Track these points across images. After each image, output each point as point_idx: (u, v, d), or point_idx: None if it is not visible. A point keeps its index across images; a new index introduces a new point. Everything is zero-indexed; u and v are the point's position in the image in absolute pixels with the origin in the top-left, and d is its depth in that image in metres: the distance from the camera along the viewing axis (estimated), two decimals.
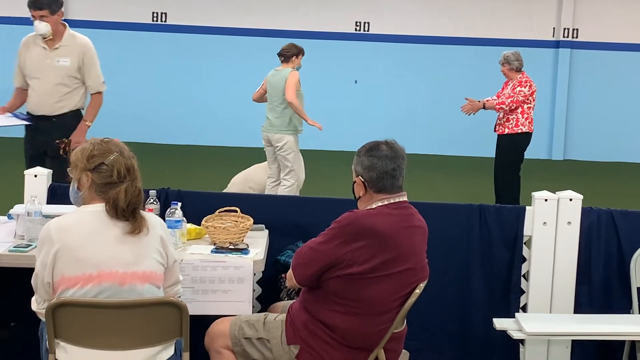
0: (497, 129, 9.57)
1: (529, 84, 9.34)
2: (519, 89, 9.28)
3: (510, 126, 9.39)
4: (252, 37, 15.36)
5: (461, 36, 15.48)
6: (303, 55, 8.95)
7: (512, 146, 9.41)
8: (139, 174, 3.49)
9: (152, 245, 3.46)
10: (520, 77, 9.41)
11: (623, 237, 4.92)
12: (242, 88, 15.16)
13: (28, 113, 6.89)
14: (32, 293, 3.57)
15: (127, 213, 3.40)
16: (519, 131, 9.35)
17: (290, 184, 8.68)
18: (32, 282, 3.49)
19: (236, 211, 4.63)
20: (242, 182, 8.87)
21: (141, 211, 3.49)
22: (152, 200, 4.49)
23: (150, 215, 3.60)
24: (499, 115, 9.54)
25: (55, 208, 4.42)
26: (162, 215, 4.26)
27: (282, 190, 8.64)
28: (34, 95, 6.78)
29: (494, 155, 9.83)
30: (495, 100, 9.40)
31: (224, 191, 8.30)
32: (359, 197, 3.83)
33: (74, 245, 3.36)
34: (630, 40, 15.55)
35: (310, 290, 3.79)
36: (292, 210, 4.99)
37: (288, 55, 8.82)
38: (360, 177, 3.80)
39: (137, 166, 3.51)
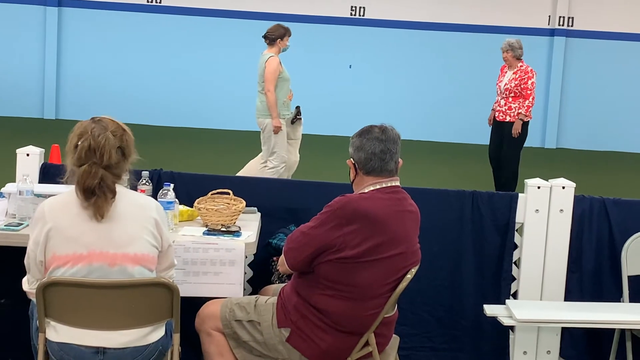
0: (498, 116, 9.64)
1: (535, 73, 9.51)
2: (531, 81, 9.42)
3: (512, 114, 9.50)
4: (246, 20, 15.31)
5: (456, 23, 15.46)
6: (289, 35, 8.82)
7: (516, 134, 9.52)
8: (111, 155, 3.36)
9: (145, 227, 3.45)
10: (523, 66, 9.52)
11: (615, 226, 4.93)
12: (235, 71, 15.17)
13: None
14: (23, 272, 3.55)
15: (87, 195, 3.34)
16: (517, 119, 9.48)
17: (273, 166, 8.64)
18: (25, 261, 3.48)
19: (229, 193, 4.62)
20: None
21: (129, 195, 3.47)
22: (144, 181, 4.47)
23: (145, 198, 3.58)
24: (499, 102, 9.62)
25: (47, 187, 4.40)
26: (154, 196, 4.25)
27: (265, 172, 8.62)
28: None
29: (489, 143, 9.92)
30: (521, 108, 9.49)
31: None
32: (352, 180, 3.84)
33: (65, 224, 3.35)
34: (626, 29, 15.55)
35: (302, 274, 3.79)
36: (285, 194, 4.98)
37: (272, 37, 8.72)
38: (351, 158, 3.81)
39: (116, 148, 3.39)
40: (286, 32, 8.76)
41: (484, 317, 4.71)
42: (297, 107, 8.91)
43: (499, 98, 9.69)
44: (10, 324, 4.62)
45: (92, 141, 3.36)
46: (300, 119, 8.93)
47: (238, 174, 8.82)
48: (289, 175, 8.93)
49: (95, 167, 3.34)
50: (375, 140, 3.76)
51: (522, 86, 9.43)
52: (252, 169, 8.99)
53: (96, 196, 3.34)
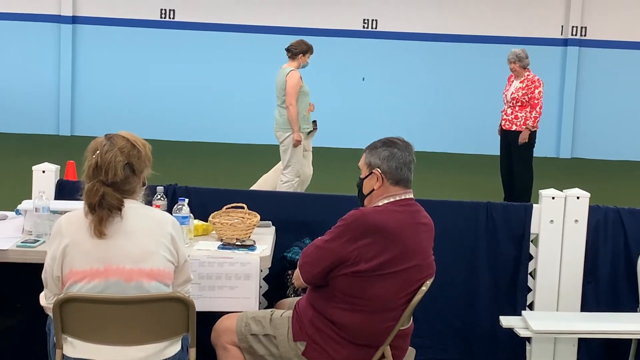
0: (505, 125, 9.67)
1: (542, 83, 9.51)
2: (538, 90, 9.44)
3: (518, 123, 9.51)
4: (259, 34, 15.36)
5: (469, 34, 15.46)
6: (311, 53, 8.89)
7: (522, 143, 9.52)
8: (117, 172, 3.37)
9: (161, 243, 3.45)
10: (530, 75, 9.54)
11: (630, 236, 4.92)
12: (249, 85, 15.21)
13: None
14: (39, 288, 3.57)
15: (91, 212, 3.37)
16: (524, 128, 9.49)
17: (287, 180, 8.66)
18: (42, 276, 3.50)
19: (243, 207, 4.63)
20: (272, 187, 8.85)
21: (145, 211, 3.49)
22: (159, 196, 4.50)
23: (161, 213, 3.59)
24: (506, 111, 9.66)
25: (62, 204, 4.42)
26: (169, 211, 4.26)
27: (279, 186, 8.64)
28: None
29: (499, 153, 9.95)
30: (529, 118, 9.49)
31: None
32: (371, 191, 3.82)
33: (82, 239, 3.37)
34: (639, 38, 15.51)
35: (317, 287, 3.79)
36: (299, 207, 4.99)
37: (295, 52, 8.78)
38: (377, 169, 3.80)
39: (124, 165, 3.41)
40: (309, 49, 8.83)
41: (499, 329, 4.69)
42: (314, 122, 8.99)
43: (506, 107, 9.72)
44: (28, 339, 4.64)
45: (99, 159, 3.39)
46: (316, 129, 9.02)
47: (252, 188, 8.85)
48: (302, 188, 8.95)
49: (99, 184, 3.37)
50: (404, 151, 3.78)
51: (529, 95, 9.45)
52: (266, 182, 9.01)
53: (95, 213, 3.36)
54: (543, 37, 15.40)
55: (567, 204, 4.85)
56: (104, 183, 3.37)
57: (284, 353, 3.79)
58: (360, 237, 3.62)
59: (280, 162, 8.89)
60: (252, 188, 8.86)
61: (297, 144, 8.59)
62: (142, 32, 15.54)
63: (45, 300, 3.54)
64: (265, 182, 9.01)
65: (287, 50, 8.85)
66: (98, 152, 3.41)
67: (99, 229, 3.35)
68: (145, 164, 3.51)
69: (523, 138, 9.46)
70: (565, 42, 15.52)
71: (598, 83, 15.60)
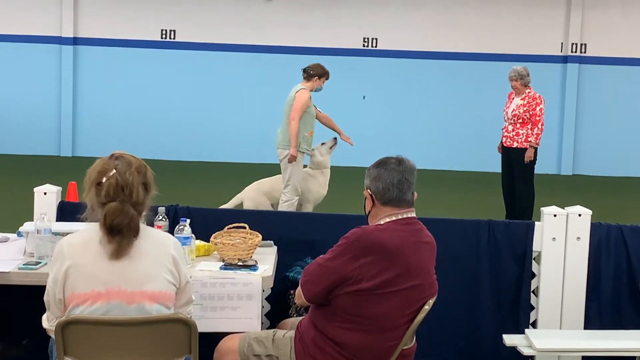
0: (506, 142, 9.66)
1: (543, 100, 9.52)
2: (539, 107, 9.44)
3: (520, 140, 9.51)
4: (260, 54, 15.41)
5: (469, 52, 15.51)
6: (327, 78, 8.96)
7: (523, 159, 9.52)
8: (139, 192, 3.37)
9: (163, 265, 3.44)
10: (531, 93, 9.54)
11: (632, 253, 4.92)
12: (250, 104, 15.25)
13: None
14: (42, 310, 3.56)
15: (113, 233, 3.34)
16: (528, 146, 9.48)
17: (287, 199, 8.65)
18: (45, 299, 3.49)
19: (245, 227, 4.63)
20: (268, 190, 8.84)
21: (147, 232, 3.46)
22: (160, 217, 4.50)
23: (163, 235, 3.58)
24: (507, 128, 9.66)
25: (64, 225, 4.42)
26: (170, 231, 4.26)
27: (280, 205, 8.64)
28: None
29: (501, 170, 9.94)
30: (530, 135, 9.48)
31: (242, 191, 8.67)
32: (369, 212, 3.83)
33: (84, 261, 3.36)
34: (639, 55, 15.56)
35: (319, 306, 3.78)
36: (301, 226, 5.00)
37: (311, 73, 8.84)
38: (368, 189, 3.81)
39: (141, 185, 3.41)
40: (324, 74, 8.90)
41: (503, 347, 4.67)
42: (335, 138, 9.11)
43: (507, 124, 9.72)
44: None
45: (119, 178, 3.36)
46: (337, 143, 9.13)
47: (231, 201, 8.84)
48: (311, 208, 8.91)
49: (127, 205, 3.34)
50: (393, 171, 3.77)
51: (530, 112, 9.46)
52: (266, 184, 8.98)
53: (121, 235, 3.34)
54: (543, 54, 15.45)
55: (569, 221, 4.85)
56: (129, 203, 3.36)
57: None
58: (361, 255, 3.62)
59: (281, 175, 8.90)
60: (256, 186, 8.85)
61: (292, 159, 8.61)
62: (143, 52, 15.61)
63: (48, 322, 3.53)
64: (266, 183, 8.98)
65: (304, 71, 8.93)
66: (114, 171, 3.38)
67: (123, 252, 3.33)
68: (153, 184, 3.52)
69: (529, 156, 9.46)
70: (565, 59, 15.57)
71: (598, 99, 15.64)
